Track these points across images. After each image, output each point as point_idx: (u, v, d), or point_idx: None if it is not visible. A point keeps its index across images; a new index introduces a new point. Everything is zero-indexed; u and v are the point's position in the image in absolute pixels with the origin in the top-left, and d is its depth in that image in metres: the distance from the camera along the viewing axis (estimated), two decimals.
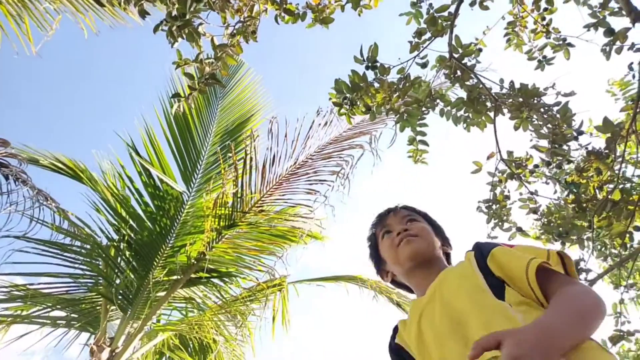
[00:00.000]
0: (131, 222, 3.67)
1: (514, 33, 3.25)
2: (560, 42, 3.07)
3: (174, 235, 3.89)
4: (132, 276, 3.52)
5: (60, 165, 3.61)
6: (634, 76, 2.15)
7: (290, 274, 3.76)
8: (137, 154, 3.68)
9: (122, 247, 3.59)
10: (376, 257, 1.25)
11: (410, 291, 1.21)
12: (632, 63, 2.11)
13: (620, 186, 2.16)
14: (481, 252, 0.97)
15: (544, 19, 3.02)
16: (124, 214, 3.70)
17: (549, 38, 3.03)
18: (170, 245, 3.86)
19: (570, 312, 0.69)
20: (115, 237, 3.62)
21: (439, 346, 0.84)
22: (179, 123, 3.82)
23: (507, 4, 3.05)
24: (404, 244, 1.12)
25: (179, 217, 3.95)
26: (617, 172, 2.16)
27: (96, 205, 3.63)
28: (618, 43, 2.05)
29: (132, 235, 3.63)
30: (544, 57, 3.26)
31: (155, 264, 3.78)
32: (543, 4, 3.00)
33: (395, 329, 1.06)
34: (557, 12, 2.99)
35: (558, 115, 2.10)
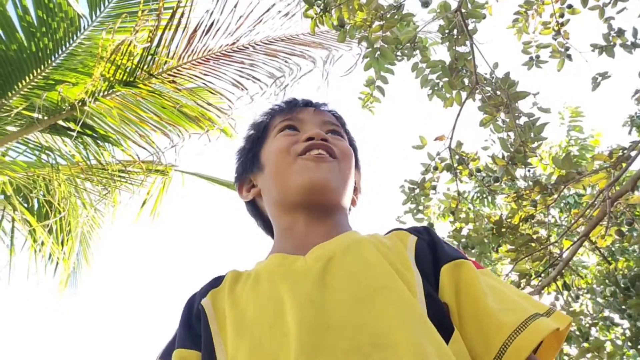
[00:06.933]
0: None
1: (524, 15, 2.84)
2: (562, 50, 2.76)
3: (54, 64, 3.07)
4: None
5: None
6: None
7: (179, 166, 3.27)
8: None
9: None
10: (250, 156, 0.77)
11: (267, 231, 0.77)
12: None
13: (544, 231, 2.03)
14: (434, 245, 0.62)
15: (562, 15, 2.64)
16: None
17: (556, 40, 2.69)
18: (44, 74, 3.06)
19: None
20: None
21: (310, 343, 0.49)
22: None
23: None
24: (312, 160, 0.67)
25: (68, 44, 3.11)
26: (549, 214, 2.01)
27: None
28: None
29: None
30: (537, 56, 2.95)
31: (16, 88, 2.99)
32: (570, 1, 2.60)
33: (216, 282, 0.64)
34: (578, 14, 2.63)
35: (532, 134, 1.82)
